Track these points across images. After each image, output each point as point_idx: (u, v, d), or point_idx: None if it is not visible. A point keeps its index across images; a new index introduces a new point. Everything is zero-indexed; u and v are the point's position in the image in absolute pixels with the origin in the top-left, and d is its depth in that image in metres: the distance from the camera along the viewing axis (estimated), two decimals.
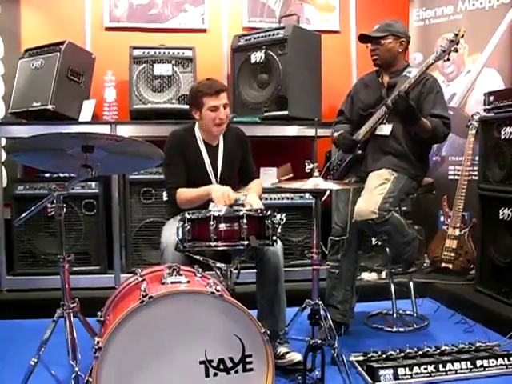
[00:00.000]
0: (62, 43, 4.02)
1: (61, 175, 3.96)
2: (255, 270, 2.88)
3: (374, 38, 3.29)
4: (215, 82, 3.01)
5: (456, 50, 2.90)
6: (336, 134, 3.42)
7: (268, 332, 2.13)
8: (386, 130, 3.25)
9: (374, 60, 3.32)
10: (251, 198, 2.90)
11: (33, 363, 2.26)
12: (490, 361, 2.77)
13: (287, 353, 2.79)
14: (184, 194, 2.94)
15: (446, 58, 2.93)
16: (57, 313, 2.30)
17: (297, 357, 2.75)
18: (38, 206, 2.30)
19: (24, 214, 2.34)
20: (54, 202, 2.24)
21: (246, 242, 2.41)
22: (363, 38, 3.34)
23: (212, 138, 3.09)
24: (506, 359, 2.79)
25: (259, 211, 2.53)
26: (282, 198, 4.15)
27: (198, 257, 2.55)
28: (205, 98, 2.94)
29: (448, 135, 3.29)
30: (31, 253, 3.95)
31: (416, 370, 2.68)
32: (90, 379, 2.00)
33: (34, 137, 2.06)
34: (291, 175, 4.29)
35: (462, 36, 2.86)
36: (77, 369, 2.18)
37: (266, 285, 2.82)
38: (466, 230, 4.23)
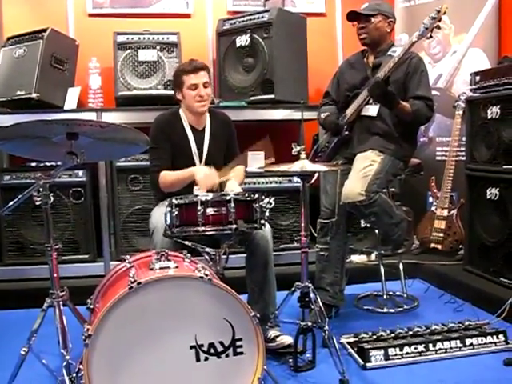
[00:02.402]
0: (44, 30, 3.97)
1: (47, 164, 3.92)
2: (244, 255, 2.87)
3: (363, 16, 3.26)
4: (195, 60, 3.02)
5: (438, 27, 2.92)
6: (323, 116, 3.41)
7: (258, 315, 2.14)
8: (372, 110, 3.24)
9: (362, 39, 3.29)
10: (231, 184, 2.90)
11: (23, 353, 2.24)
12: (480, 339, 2.80)
13: (278, 336, 2.80)
14: (167, 176, 2.93)
15: (428, 35, 2.94)
16: (46, 302, 2.28)
17: (288, 340, 2.76)
18: (24, 195, 2.28)
19: (10, 204, 2.33)
20: (40, 190, 2.22)
21: (233, 226, 2.40)
22: (352, 16, 3.30)
23: (198, 121, 3.07)
24: (494, 337, 2.82)
25: (247, 195, 2.52)
26: (270, 182, 4.13)
27: (186, 242, 2.54)
28: (184, 76, 2.96)
29: (431, 118, 3.29)
30: (19, 243, 3.92)
31: (406, 349, 2.71)
32: (81, 367, 1.99)
33: (18, 124, 2.03)
34: (271, 149, 4.21)
35: (444, 13, 2.86)
36: (68, 357, 2.18)
37: (256, 269, 2.82)
38: (455, 210, 4.25)
